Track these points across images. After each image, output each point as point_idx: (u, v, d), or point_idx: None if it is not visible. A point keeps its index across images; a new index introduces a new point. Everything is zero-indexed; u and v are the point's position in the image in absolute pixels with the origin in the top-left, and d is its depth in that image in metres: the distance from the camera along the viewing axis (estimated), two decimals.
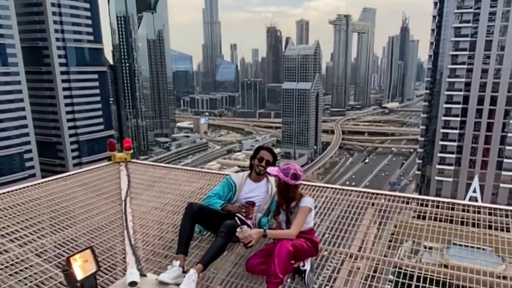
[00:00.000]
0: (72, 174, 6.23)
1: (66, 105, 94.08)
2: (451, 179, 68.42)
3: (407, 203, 5.04)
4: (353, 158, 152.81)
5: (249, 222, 4.31)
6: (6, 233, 4.40)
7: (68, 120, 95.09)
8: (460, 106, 68.31)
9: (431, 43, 71.90)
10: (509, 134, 65.38)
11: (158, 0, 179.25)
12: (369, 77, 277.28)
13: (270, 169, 4.22)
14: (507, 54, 65.21)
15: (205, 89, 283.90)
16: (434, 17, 70.41)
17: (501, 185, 64.62)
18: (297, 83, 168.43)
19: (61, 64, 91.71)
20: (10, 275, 3.77)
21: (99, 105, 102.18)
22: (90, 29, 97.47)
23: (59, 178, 6.00)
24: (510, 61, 65.10)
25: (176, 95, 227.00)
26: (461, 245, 4.36)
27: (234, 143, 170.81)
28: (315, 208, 4.40)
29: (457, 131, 68.67)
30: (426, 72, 79.71)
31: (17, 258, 4.04)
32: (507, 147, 65.33)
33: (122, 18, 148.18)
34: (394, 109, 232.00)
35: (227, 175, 5.14)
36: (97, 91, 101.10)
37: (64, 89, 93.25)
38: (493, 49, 66.01)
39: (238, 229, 3.74)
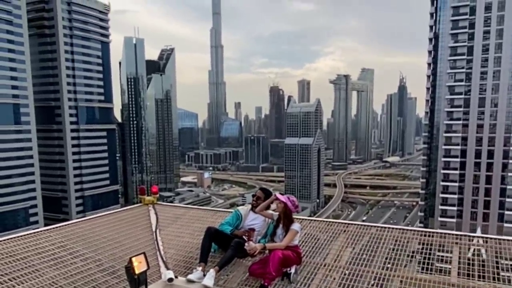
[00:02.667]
0: (113, 213, 7.88)
1: (74, 161, 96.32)
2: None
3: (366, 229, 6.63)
4: (355, 211, 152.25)
5: (251, 243, 5.88)
6: (73, 252, 5.99)
7: (75, 176, 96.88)
8: (459, 159, 69.75)
9: (427, 100, 74.93)
10: (508, 187, 66.21)
11: (167, 63, 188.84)
12: (370, 132, 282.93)
13: (279, 196, 5.82)
14: (500, 110, 67.74)
15: (209, 145, 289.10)
16: (428, 76, 73.92)
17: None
18: (299, 139, 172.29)
19: (71, 123, 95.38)
20: (78, 278, 5.31)
21: (106, 161, 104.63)
22: (101, 90, 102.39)
23: (103, 215, 7.69)
24: (504, 116, 67.44)
25: (182, 150, 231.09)
26: None
27: (237, 197, 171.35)
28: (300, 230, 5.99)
29: (457, 184, 69.49)
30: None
31: (82, 268, 5.58)
32: (508, 199, 65.86)
33: (132, 80, 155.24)
34: (395, 163, 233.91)
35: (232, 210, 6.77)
36: (105, 147, 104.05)
37: (73, 145, 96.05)
38: (486, 106, 68.50)
39: (246, 244, 5.36)
